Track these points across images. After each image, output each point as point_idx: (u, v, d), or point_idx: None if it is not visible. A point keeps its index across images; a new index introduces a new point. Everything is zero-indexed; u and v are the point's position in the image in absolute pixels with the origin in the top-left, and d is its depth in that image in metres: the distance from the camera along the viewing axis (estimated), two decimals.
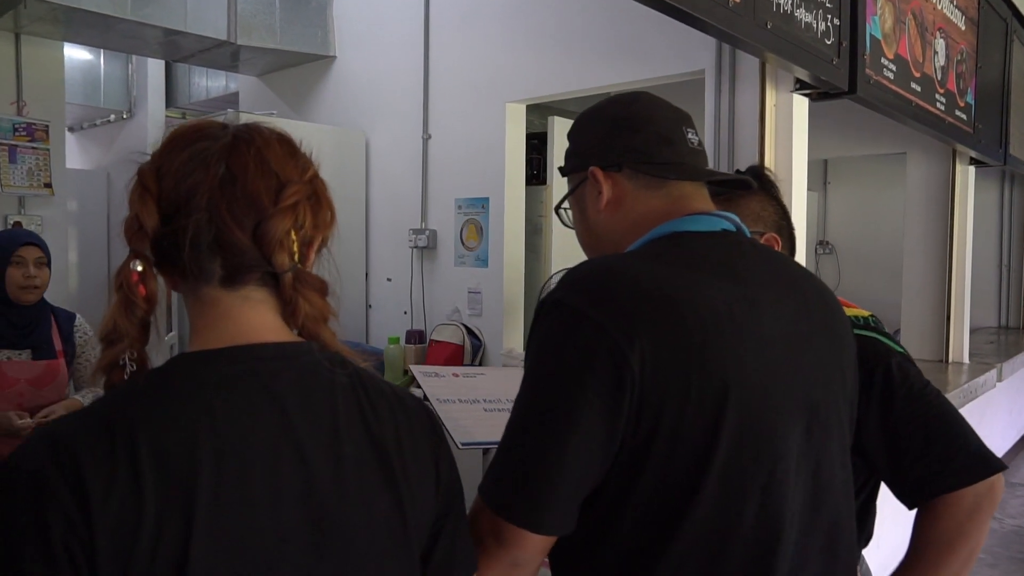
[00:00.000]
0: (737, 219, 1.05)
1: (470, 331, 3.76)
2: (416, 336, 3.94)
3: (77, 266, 5.64)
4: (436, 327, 3.86)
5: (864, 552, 1.48)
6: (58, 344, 2.42)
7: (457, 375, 1.70)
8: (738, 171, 1.52)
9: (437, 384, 1.63)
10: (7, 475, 0.65)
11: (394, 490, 0.80)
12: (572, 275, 0.93)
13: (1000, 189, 6.33)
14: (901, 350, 1.32)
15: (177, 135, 0.80)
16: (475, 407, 1.60)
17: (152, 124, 5.85)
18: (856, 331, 1.28)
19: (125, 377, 0.75)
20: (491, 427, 1.55)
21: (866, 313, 1.38)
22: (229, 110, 3.79)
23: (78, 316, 2.54)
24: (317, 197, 0.81)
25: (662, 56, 3.12)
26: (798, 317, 0.98)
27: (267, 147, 0.80)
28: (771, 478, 0.90)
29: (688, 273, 0.92)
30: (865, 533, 1.40)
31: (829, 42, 2.47)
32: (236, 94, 5.47)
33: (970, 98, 3.90)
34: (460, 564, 0.86)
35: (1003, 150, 4.51)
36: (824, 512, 0.97)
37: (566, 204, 1.17)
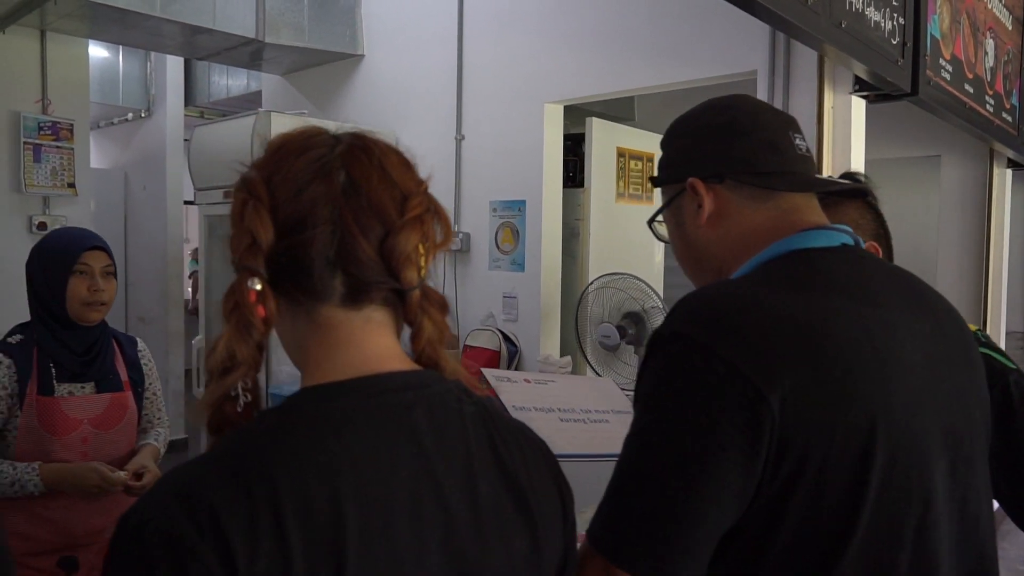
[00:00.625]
0: (851, 231, 0.97)
1: (506, 337, 3.69)
2: (450, 342, 3.86)
3: None
4: (471, 332, 3.79)
5: None
6: (123, 373, 1.90)
7: (529, 381, 1.61)
8: (846, 174, 1.44)
9: (511, 390, 1.55)
10: (139, 533, 0.58)
11: (531, 530, 0.74)
12: (691, 304, 0.85)
13: None
14: (1014, 366, 1.26)
15: (285, 142, 0.73)
16: (551, 416, 1.52)
17: (171, 123, 5.78)
18: None
19: (238, 409, 0.68)
20: (570, 439, 1.47)
21: (974, 327, 1.31)
22: (259, 110, 3.71)
23: (139, 340, 2.04)
24: (436, 210, 0.75)
25: (709, 57, 3.04)
26: (935, 339, 0.90)
27: (385, 156, 0.73)
28: (923, 520, 0.83)
29: (820, 298, 0.84)
30: None
31: (895, 42, 2.40)
32: (258, 93, 5.40)
33: (1015, 99, 3.83)
34: None
35: None
36: (970, 552, 0.90)
37: (660, 217, 1.09)
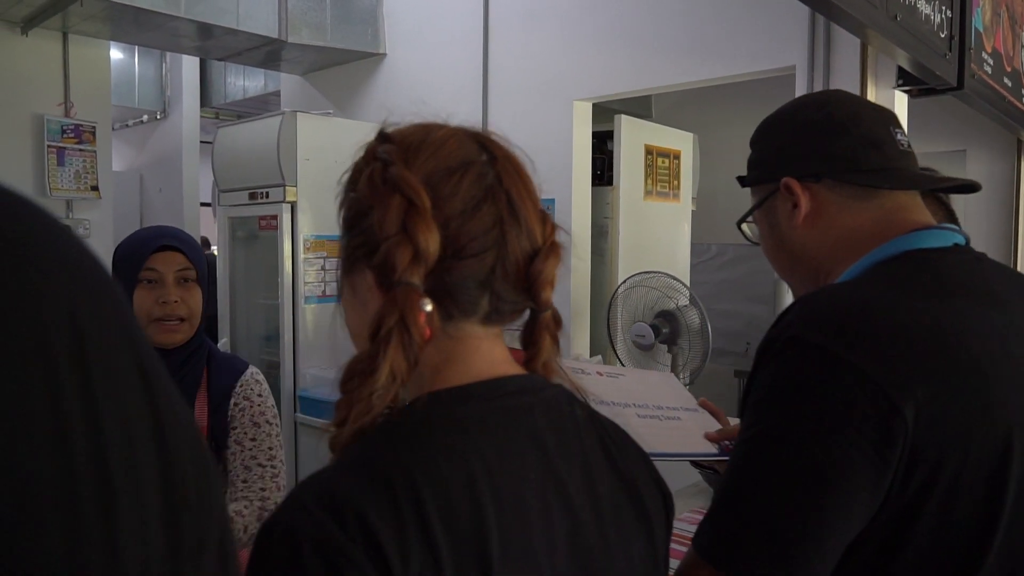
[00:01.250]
0: (961, 230, 0.93)
1: None
2: None
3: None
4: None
5: None
6: (203, 420, 1.47)
7: (601, 374, 1.56)
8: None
9: (590, 383, 1.51)
10: (287, 541, 0.56)
11: (648, 530, 0.74)
12: (810, 308, 0.82)
13: None
14: None
15: (437, 147, 0.69)
16: (628, 411, 1.48)
17: (187, 124, 5.77)
18: None
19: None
20: (650, 435, 1.42)
21: None
22: (285, 111, 3.68)
23: (251, 367, 1.55)
24: (554, 223, 0.74)
25: (744, 52, 3.01)
26: None
27: (523, 169, 0.72)
28: None
29: (948, 302, 0.81)
30: None
31: (943, 35, 2.36)
32: (276, 93, 5.38)
33: None
34: None
35: None
36: None
37: (751, 218, 1.06)
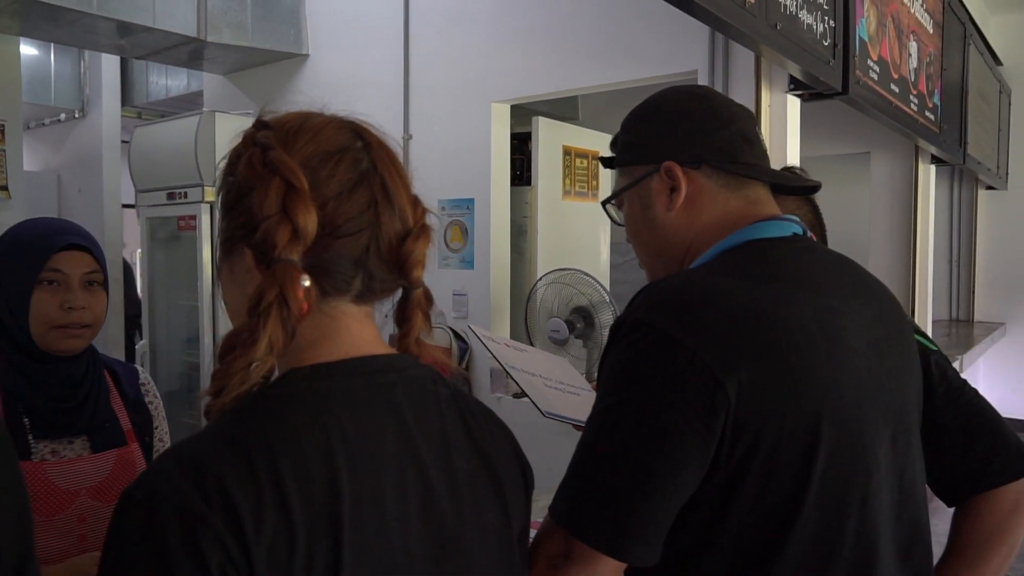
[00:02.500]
0: (800, 220, 1.03)
1: (456, 334, 3.72)
2: None
3: None
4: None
5: None
6: (125, 419, 1.39)
7: (509, 345, 1.64)
8: (787, 168, 1.52)
9: (501, 351, 1.57)
10: (148, 506, 0.60)
11: (501, 501, 0.79)
12: (655, 294, 0.90)
13: (950, 187, 6.57)
14: (936, 348, 1.34)
15: (316, 133, 0.73)
16: (536, 380, 1.56)
17: (107, 123, 5.64)
18: None
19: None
20: (560, 403, 1.50)
21: None
22: (204, 111, 3.66)
23: (141, 370, 1.50)
24: (426, 207, 0.79)
25: (652, 56, 3.13)
26: (878, 324, 0.97)
27: (396, 155, 0.77)
28: (867, 490, 0.90)
29: (775, 288, 0.90)
30: None
31: (826, 43, 2.52)
32: (198, 93, 5.30)
33: (937, 99, 4.04)
34: (523, 570, 0.87)
35: (963, 150, 4.68)
36: (905, 518, 0.98)
37: (617, 199, 1.10)
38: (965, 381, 1.29)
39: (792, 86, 2.71)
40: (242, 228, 0.71)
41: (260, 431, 0.65)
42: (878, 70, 3.03)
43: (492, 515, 0.78)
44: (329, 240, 0.70)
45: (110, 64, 5.61)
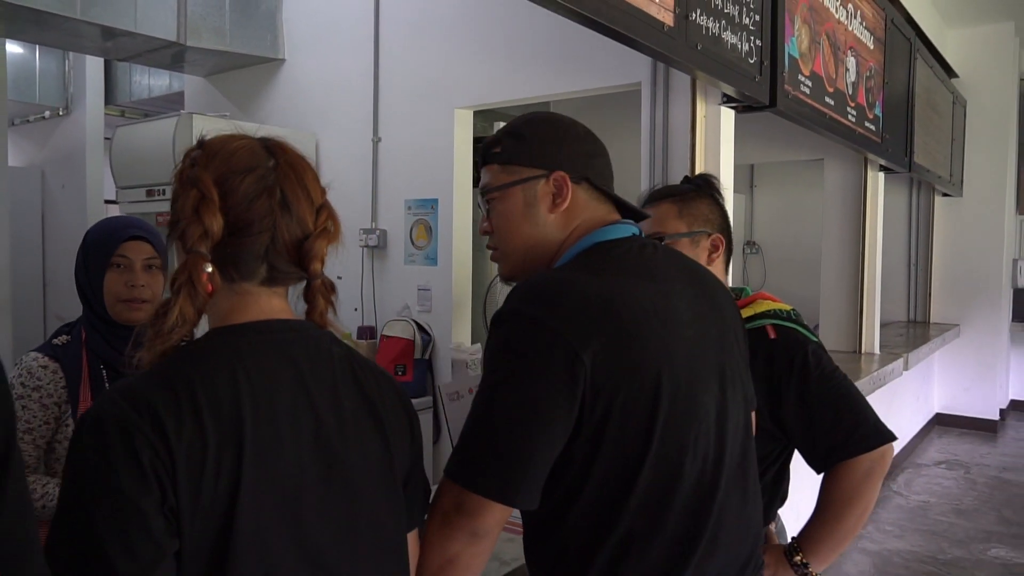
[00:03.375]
0: (636, 225, 1.24)
1: (420, 327, 3.92)
2: (367, 332, 4.08)
3: (10, 269, 5.53)
4: (387, 323, 4.01)
5: (780, 511, 1.73)
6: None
7: (472, 391, 1.80)
8: (687, 177, 1.74)
9: (458, 409, 1.71)
10: (96, 423, 0.82)
11: (383, 436, 1.00)
12: (525, 289, 1.10)
13: (909, 193, 6.82)
14: (816, 339, 1.58)
15: (232, 155, 0.95)
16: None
17: (91, 121, 5.79)
18: (779, 323, 1.56)
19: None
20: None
21: (788, 307, 1.63)
22: (181, 112, 3.84)
23: None
24: (333, 216, 1.00)
25: (603, 69, 3.35)
26: (700, 301, 1.19)
27: (304, 173, 0.98)
28: (700, 429, 1.12)
29: (619, 279, 1.12)
30: (780, 494, 1.66)
31: (752, 61, 2.74)
32: (180, 93, 5.48)
33: (878, 111, 4.27)
34: (421, 505, 1.08)
35: (908, 158, 4.92)
36: (735, 448, 1.19)
37: (490, 193, 1.22)
38: (836, 367, 1.53)
39: (725, 99, 2.93)
40: (174, 224, 0.95)
41: (182, 371, 0.88)
42: (811, 84, 3.26)
43: (374, 446, 0.99)
44: (234, 239, 0.93)
45: (94, 64, 5.77)
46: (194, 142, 1.00)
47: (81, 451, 0.82)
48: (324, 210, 0.99)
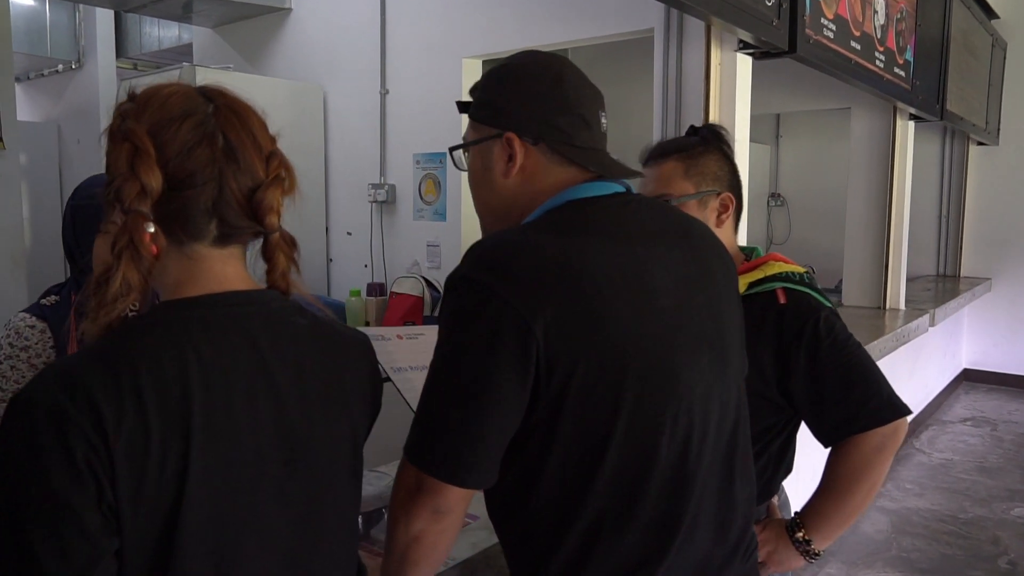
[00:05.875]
0: (627, 184, 1.12)
1: (429, 283, 3.87)
2: (377, 289, 4.04)
3: (30, 222, 5.56)
4: (396, 280, 3.96)
5: (784, 483, 1.64)
6: None
7: (401, 336, 1.74)
8: (693, 127, 1.57)
9: (386, 349, 1.65)
10: (26, 409, 0.73)
11: (349, 418, 0.94)
12: (478, 251, 0.99)
13: (942, 143, 6.56)
14: (829, 304, 1.44)
15: (164, 102, 0.85)
16: (424, 374, 1.70)
17: (103, 75, 5.75)
18: (791, 286, 1.42)
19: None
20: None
21: (802, 269, 1.49)
22: (184, 64, 3.77)
23: None
24: (286, 165, 0.90)
25: (614, 15, 3.20)
26: (687, 262, 1.08)
27: (249, 117, 0.88)
28: (680, 407, 1.03)
29: (583, 240, 1.00)
30: (785, 465, 1.54)
31: (770, 4, 2.58)
32: (189, 45, 5.40)
33: (909, 55, 4.06)
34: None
35: (940, 106, 4.70)
36: (724, 426, 1.10)
37: (463, 151, 1.14)
38: (850, 336, 1.41)
39: (741, 45, 2.78)
40: (109, 184, 0.85)
41: (125, 350, 0.79)
42: (835, 28, 3.08)
43: (339, 429, 0.92)
44: (174, 193, 0.83)
45: (104, 16, 5.70)
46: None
47: (8, 440, 0.75)
48: (275, 157, 0.88)
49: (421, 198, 3.94)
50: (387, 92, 4.01)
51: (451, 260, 3.86)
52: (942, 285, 6.13)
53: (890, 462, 1.37)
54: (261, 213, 0.87)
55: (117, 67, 5.93)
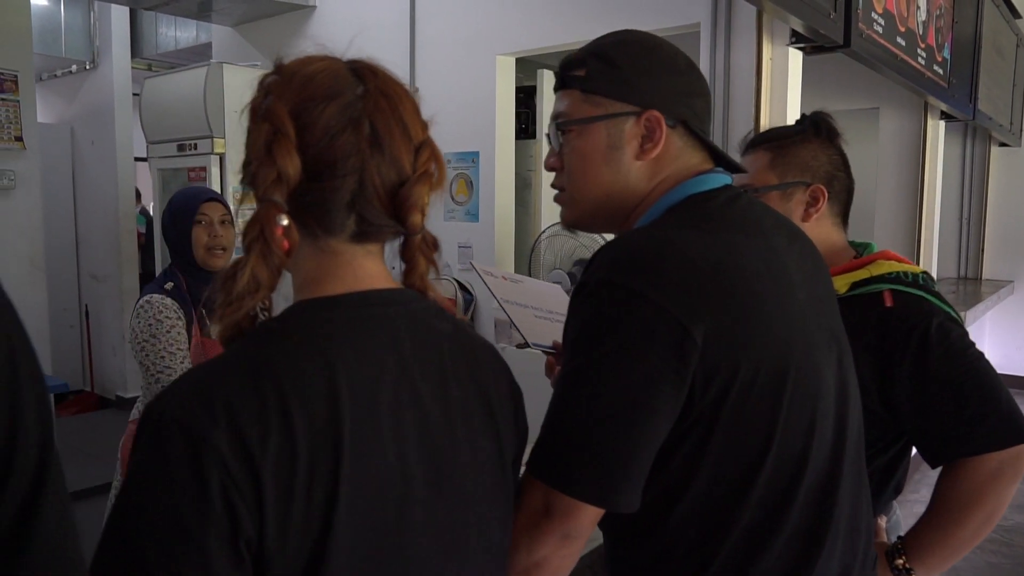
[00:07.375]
0: (726, 173, 1.05)
1: (461, 286, 3.79)
2: None
3: (43, 228, 5.47)
4: None
5: (895, 502, 1.49)
6: None
7: (506, 279, 1.69)
8: (803, 115, 1.47)
9: (498, 285, 1.62)
10: (160, 429, 0.65)
11: (495, 432, 0.84)
12: (616, 253, 0.91)
13: (963, 144, 6.50)
14: (948, 309, 1.31)
15: (311, 79, 0.76)
16: (527, 312, 1.63)
17: (118, 76, 5.66)
18: (900, 288, 1.30)
19: (255, 325, 0.75)
20: (545, 333, 1.56)
21: (918, 270, 1.37)
22: (211, 62, 3.69)
23: None
24: (438, 157, 0.80)
25: (656, 8, 3.13)
26: (803, 258, 1.01)
27: (401, 102, 0.78)
28: (823, 408, 0.95)
29: (722, 236, 0.93)
30: (894, 484, 1.41)
31: None
32: (207, 45, 5.32)
33: (947, 53, 4.00)
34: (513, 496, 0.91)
35: (972, 105, 4.64)
36: (854, 427, 1.03)
37: (574, 127, 1.02)
38: (971, 344, 1.27)
39: (794, 39, 2.71)
40: (246, 167, 0.76)
41: (267, 357, 0.69)
42: (883, 23, 3.02)
43: (486, 441, 0.83)
44: (313, 184, 0.74)
45: (119, 16, 5.62)
46: (224, 93, 0.81)
47: (142, 451, 0.66)
48: (426, 148, 0.78)
49: (452, 198, 3.86)
50: (416, 90, 3.86)
51: (483, 261, 3.78)
52: (964, 287, 6.06)
53: (1011, 491, 1.22)
54: (404, 211, 0.77)
55: (132, 68, 5.85)
